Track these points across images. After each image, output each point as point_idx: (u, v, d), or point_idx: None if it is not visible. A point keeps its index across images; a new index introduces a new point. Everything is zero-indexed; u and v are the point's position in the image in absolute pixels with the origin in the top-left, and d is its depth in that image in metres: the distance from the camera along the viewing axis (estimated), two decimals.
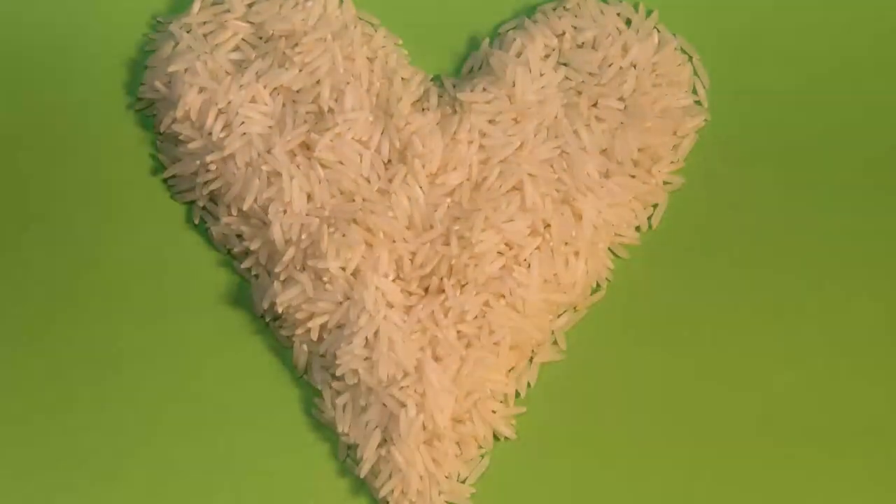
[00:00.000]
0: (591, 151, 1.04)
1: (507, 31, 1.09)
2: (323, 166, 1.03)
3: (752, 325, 1.04)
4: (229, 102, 1.03)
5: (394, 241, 1.02)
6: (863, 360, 1.04)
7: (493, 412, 1.02)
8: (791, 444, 1.02)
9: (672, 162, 1.07)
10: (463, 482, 1.02)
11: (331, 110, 1.03)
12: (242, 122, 1.03)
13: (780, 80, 1.09)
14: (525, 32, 1.07)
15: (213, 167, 1.04)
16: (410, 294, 1.02)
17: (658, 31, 1.08)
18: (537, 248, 1.02)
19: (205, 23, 1.07)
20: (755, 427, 1.02)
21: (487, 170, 1.03)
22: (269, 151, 1.03)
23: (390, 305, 1.01)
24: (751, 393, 1.03)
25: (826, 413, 1.02)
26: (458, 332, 1.01)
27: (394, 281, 1.01)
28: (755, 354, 1.03)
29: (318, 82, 1.04)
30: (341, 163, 1.03)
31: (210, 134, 1.04)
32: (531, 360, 1.04)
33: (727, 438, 1.02)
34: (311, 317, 1.01)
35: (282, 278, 1.02)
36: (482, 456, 1.02)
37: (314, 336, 1.01)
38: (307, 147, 1.03)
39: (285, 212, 1.02)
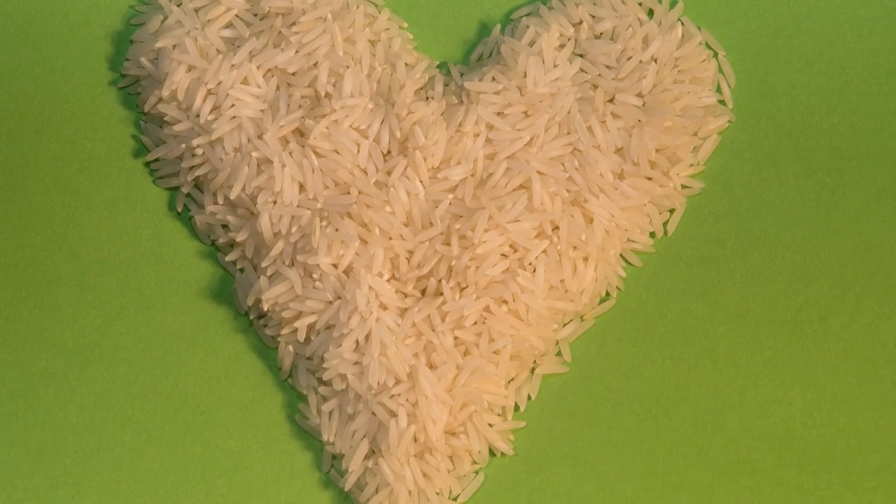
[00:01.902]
0: (606, 150, 1.03)
1: (521, 17, 1.08)
2: (317, 155, 1.02)
3: (771, 341, 1.03)
4: (219, 83, 1.03)
5: (390, 239, 1.01)
6: (889, 381, 1.02)
7: (490, 426, 1.01)
8: (809, 471, 1.01)
9: (692, 164, 1.06)
10: (455, 500, 1.01)
11: (328, 95, 1.03)
12: (233, 105, 1.03)
13: (810, 82, 1.08)
14: (539, 20, 1.06)
15: (199, 152, 1.03)
16: (406, 296, 1.01)
17: (682, 23, 1.08)
18: (544, 251, 1.01)
19: None
20: (771, 450, 1.01)
21: (493, 165, 1.02)
22: (260, 137, 1.02)
23: (384, 307, 1.00)
24: (768, 415, 1.02)
25: (847, 436, 1.01)
26: (456, 338, 1.00)
27: (388, 281, 1.01)
28: (774, 373, 1.03)
29: (315, 65, 1.03)
30: (337, 152, 1.02)
31: (198, 116, 1.03)
32: (533, 371, 1.03)
33: (742, 463, 1.01)
34: (298, 316, 1.01)
35: (269, 273, 1.01)
36: (476, 472, 1.02)
37: (301, 337, 1.01)
38: (301, 134, 1.03)
39: (275, 202, 1.01)
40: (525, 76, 1.03)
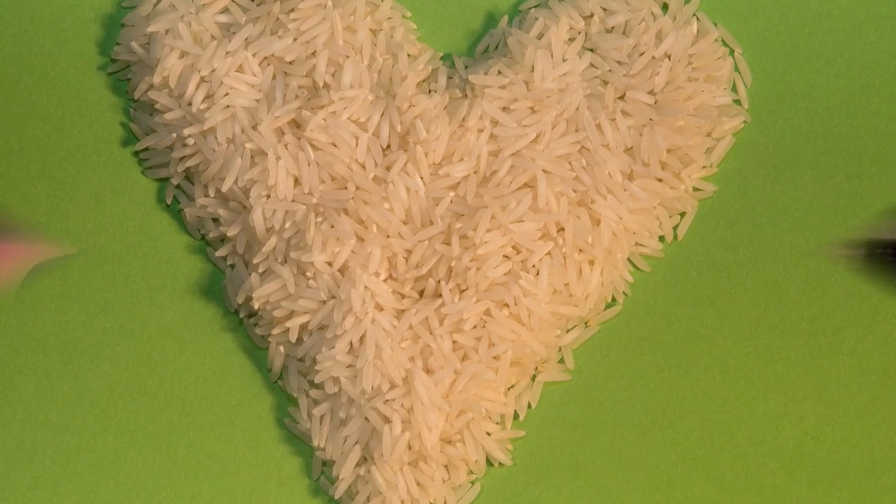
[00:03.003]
0: (615, 149, 1.03)
1: (529, 9, 1.08)
2: (314, 148, 1.01)
3: (782, 352, 1.02)
4: (213, 70, 1.03)
5: (388, 237, 1.00)
6: None
7: (488, 434, 1.01)
8: (820, 488, 1.00)
9: (704, 166, 1.05)
10: None
11: (326, 86, 1.02)
12: (227, 94, 1.02)
13: (829, 82, 1.07)
14: (549, 12, 1.06)
15: (190, 142, 1.03)
16: (403, 297, 1.00)
17: (698, 19, 1.07)
18: (548, 253, 1.01)
19: None
20: (780, 466, 1.01)
21: (497, 163, 1.01)
22: (254, 128, 1.02)
23: (380, 308, 0.99)
24: (778, 429, 1.01)
25: (860, 452, 1.01)
26: (454, 342, 1.00)
27: (385, 281, 1.00)
28: (785, 385, 1.02)
29: (313, 54, 1.03)
30: (335, 145, 1.01)
31: (190, 104, 1.03)
32: (534, 378, 1.03)
33: (750, 478, 1.01)
34: (290, 315, 1.00)
35: (260, 270, 1.01)
36: (472, 482, 1.01)
37: (293, 337, 1.00)
38: (297, 125, 1.03)
39: (269, 196, 1.01)
40: (532, 70, 1.02)
